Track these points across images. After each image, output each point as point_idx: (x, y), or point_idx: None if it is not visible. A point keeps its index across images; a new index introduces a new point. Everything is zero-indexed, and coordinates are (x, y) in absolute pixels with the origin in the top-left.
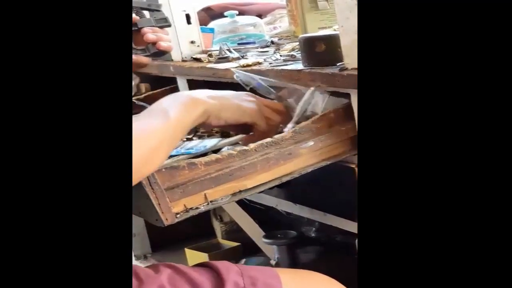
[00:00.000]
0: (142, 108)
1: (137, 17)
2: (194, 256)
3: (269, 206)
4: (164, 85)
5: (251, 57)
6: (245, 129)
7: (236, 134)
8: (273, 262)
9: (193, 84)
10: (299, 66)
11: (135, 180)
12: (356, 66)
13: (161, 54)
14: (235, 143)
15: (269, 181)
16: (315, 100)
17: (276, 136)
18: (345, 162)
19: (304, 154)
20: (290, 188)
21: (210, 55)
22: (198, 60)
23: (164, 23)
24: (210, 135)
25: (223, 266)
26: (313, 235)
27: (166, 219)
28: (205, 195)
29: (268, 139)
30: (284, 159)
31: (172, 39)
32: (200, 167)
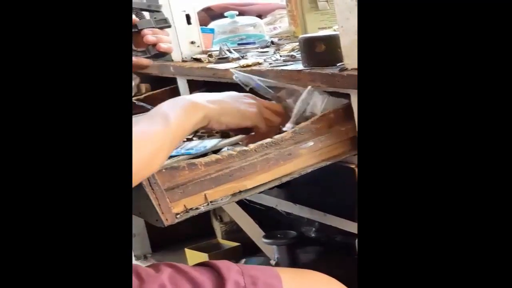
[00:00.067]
0: (142, 108)
1: (137, 19)
2: (194, 256)
3: (269, 206)
4: (164, 85)
5: (251, 58)
6: (245, 130)
7: (236, 135)
8: (273, 262)
9: (193, 85)
10: (299, 66)
11: (134, 182)
12: (356, 66)
13: (161, 55)
14: (235, 144)
15: (269, 182)
16: (314, 101)
17: (276, 137)
18: (345, 162)
19: (304, 155)
20: (290, 189)
21: (210, 56)
22: (198, 60)
23: (164, 23)
24: (210, 135)
25: (224, 265)
26: (313, 235)
27: (166, 220)
28: (205, 195)
29: (268, 140)
30: (284, 159)
31: (172, 40)
32: (200, 167)
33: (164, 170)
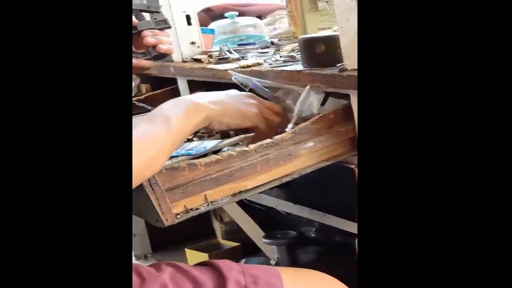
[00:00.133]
0: (142, 109)
1: (136, 20)
2: (194, 256)
3: (269, 207)
4: (164, 85)
5: (251, 58)
6: (245, 130)
7: (236, 134)
8: (272, 262)
9: (194, 85)
10: (299, 67)
11: (136, 184)
12: (356, 67)
13: (162, 57)
14: (235, 144)
15: (269, 182)
16: (310, 101)
17: (276, 137)
18: (345, 162)
19: (304, 155)
20: (290, 189)
21: (210, 56)
22: (198, 61)
23: (164, 24)
24: (210, 135)
25: (225, 264)
26: (312, 235)
27: (167, 220)
28: (205, 195)
29: (268, 140)
30: (284, 159)
31: (173, 40)
32: (200, 168)
33: (164, 171)
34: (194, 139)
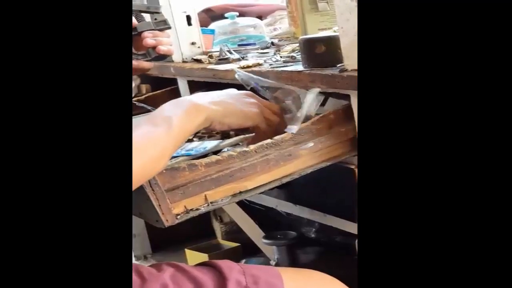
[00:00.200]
0: (142, 109)
1: (136, 21)
2: (194, 256)
3: (269, 207)
4: (164, 86)
5: (252, 58)
6: (245, 129)
7: (236, 134)
8: (273, 262)
9: (194, 85)
10: (299, 67)
11: (137, 186)
12: (356, 67)
13: (162, 58)
14: (235, 145)
15: (269, 182)
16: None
17: (276, 137)
18: (345, 163)
19: (304, 155)
20: (290, 189)
21: (210, 56)
22: (198, 61)
23: (164, 25)
24: (210, 136)
25: (225, 265)
26: (313, 235)
27: (167, 220)
28: (205, 196)
29: (268, 141)
30: (284, 160)
31: (173, 41)
32: (200, 168)
33: (164, 171)
34: (194, 139)
